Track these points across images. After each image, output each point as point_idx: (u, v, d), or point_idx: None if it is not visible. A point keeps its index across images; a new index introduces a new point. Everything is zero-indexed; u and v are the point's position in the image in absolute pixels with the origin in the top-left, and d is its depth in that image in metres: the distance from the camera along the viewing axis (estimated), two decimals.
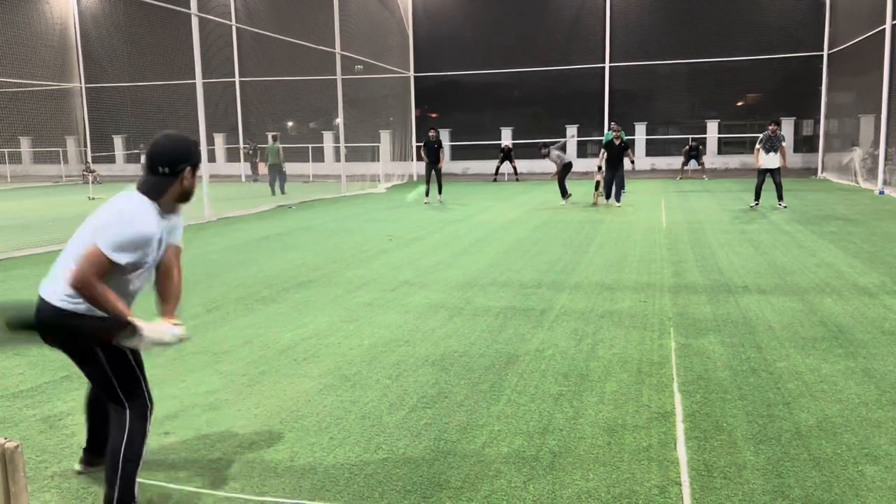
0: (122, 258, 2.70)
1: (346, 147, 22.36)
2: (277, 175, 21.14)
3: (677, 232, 11.20)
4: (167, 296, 3.05)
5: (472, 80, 30.68)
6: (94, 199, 20.76)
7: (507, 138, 28.84)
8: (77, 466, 3.36)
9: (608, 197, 15.92)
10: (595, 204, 16.00)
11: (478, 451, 3.53)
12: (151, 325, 2.82)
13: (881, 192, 16.90)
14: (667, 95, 29.00)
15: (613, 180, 15.80)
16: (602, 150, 16.04)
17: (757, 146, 14.64)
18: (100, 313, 2.75)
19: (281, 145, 21.75)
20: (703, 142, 26.94)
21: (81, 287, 2.68)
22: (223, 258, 9.61)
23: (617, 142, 15.59)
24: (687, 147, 24.62)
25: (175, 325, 2.95)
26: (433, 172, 17.32)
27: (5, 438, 1.96)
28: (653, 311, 6.22)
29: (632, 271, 8.07)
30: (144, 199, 2.80)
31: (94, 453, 3.28)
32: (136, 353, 2.95)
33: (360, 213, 15.36)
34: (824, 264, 8.19)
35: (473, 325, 5.87)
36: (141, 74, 32.54)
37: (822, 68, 24.48)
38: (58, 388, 4.58)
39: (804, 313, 6.02)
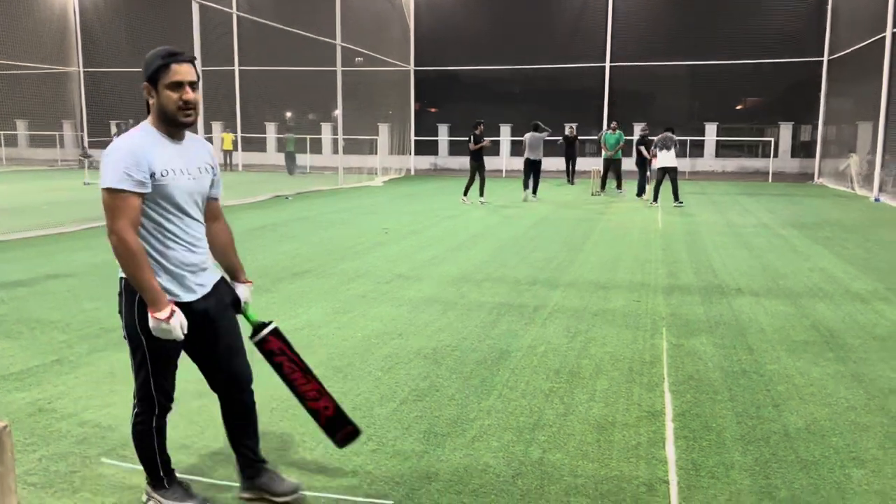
0: (119, 183, 2.44)
1: (344, 139, 22.32)
2: (294, 161, 26.01)
3: (673, 233, 11.22)
4: (217, 251, 2.89)
5: (472, 75, 30.64)
6: (89, 183, 20.68)
7: (506, 135, 28.82)
8: (242, 494, 3.01)
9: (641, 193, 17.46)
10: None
11: (467, 444, 3.53)
12: (157, 315, 2.52)
13: (877, 199, 16.95)
14: (666, 97, 29.01)
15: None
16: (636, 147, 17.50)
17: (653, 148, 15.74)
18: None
19: (296, 136, 26.96)
20: (700, 143, 26.96)
21: (118, 242, 2.47)
22: None
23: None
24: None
25: (247, 282, 2.95)
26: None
27: None
28: (646, 311, 6.23)
29: (626, 271, 8.09)
30: (142, 123, 2.65)
31: (247, 477, 2.97)
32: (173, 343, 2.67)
33: (357, 206, 15.34)
34: (818, 269, 8.22)
35: (467, 320, 5.87)
36: (140, 60, 32.28)
37: (821, 74, 24.52)
38: (48, 371, 4.56)
39: (796, 317, 6.04)
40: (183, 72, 2.58)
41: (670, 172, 15.33)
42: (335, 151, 24.85)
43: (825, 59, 24.38)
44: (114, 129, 28.79)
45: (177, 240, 2.63)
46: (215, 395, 4.14)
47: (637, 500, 3.02)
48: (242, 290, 2.95)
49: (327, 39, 20.82)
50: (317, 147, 30.77)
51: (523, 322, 5.84)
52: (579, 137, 22.55)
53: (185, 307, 2.64)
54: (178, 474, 2.94)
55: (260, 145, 33.17)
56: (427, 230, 11.43)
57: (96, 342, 5.18)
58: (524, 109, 29.76)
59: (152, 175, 2.52)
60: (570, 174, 22.60)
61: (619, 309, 6.31)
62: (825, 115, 24.52)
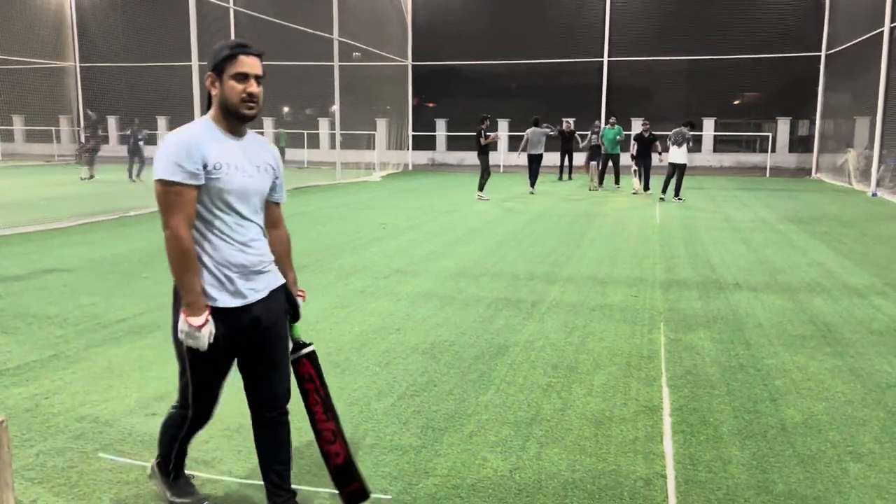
0: (172, 175, 2.35)
1: (341, 134, 22.27)
2: (283, 157, 25.10)
3: (670, 228, 11.22)
4: (276, 254, 2.73)
5: (470, 70, 30.59)
6: (86, 178, 20.63)
7: (503, 130, 28.78)
8: None
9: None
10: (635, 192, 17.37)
11: (465, 439, 3.53)
12: (191, 320, 2.40)
13: (874, 194, 16.96)
14: (664, 92, 28.98)
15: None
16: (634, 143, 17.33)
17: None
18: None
19: (287, 132, 27.37)
20: (699, 139, 26.92)
21: (171, 237, 2.38)
22: None
23: (646, 135, 16.88)
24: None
25: (299, 294, 2.80)
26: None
27: None
28: (643, 306, 6.23)
29: (624, 266, 8.09)
30: (202, 117, 2.56)
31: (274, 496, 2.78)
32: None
33: (355, 201, 15.32)
34: (815, 263, 8.23)
35: (464, 315, 5.87)
36: (136, 55, 32.29)
37: (819, 69, 24.51)
38: (45, 366, 4.56)
39: (794, 311, 6.05)
40: (250, 64, 2.47)
41: (678, 169, 15.31)
42: (332, 146, 24.82)
43: (823, 53, 24.36)
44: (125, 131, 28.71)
45: (225, 238, 2.49)
46: None
47: (634, 494, 3.02)
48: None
49: (325, 34, 20.76)
50: (314, 142, 30.73)
51: (521, 317, 5.84)
52: (577, 132, 22.47)
53: (232, 312, 2.50)
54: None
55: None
56: (425, 225, 11.42)
57: (93, 337, 5.17)
58: (522, 104, 29.74)
59: (205, 167, 2.41)
60: (567, 170, 22.57)
61: (617, 304, 6.31)
62: (823, 110, 24.52)
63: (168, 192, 2.36)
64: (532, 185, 17.37)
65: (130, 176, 20.43)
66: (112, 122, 34.07)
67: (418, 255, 8.69)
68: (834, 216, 12.92)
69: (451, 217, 12.52)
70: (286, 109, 33.54)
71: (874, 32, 18.35)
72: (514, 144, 27.61)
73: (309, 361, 2.77)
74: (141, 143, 20.88)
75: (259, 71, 2.50)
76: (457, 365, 4.64)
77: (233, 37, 31.56)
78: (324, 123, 31.38)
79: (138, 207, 13.11)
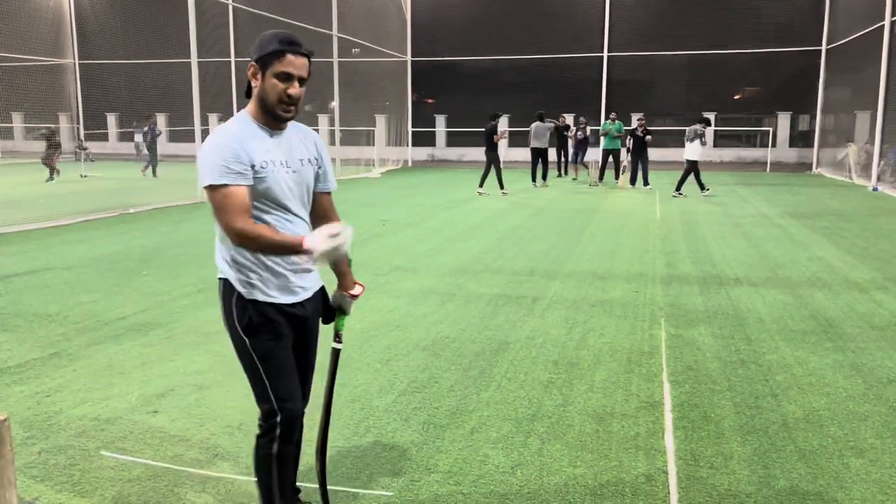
0: (221, 178, 2.26)
1: (340, 130, 22.25)
2: None
3: (671, 223, 11.21)
4: None
5: (469, 65, 30.52)
6: (86, 176, 20.62)
7: (504, 125, 28.75)
8: None
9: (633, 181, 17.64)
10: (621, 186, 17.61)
11: (466, 436, 3.53)
12: (318, 240, 2.24)
13: (875, 189, 16.95)
14: (664, 86, 28.93)
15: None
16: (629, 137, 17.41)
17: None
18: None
19: None
20: (706, 134, 26.73)
21: (236, 236, 2.26)
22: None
23: (640, 131, 16.88)
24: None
25: (352, 296, 2.67)
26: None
27: None
28: (644, 302, 6.23)
29: (624, 261, 8.08)
30: (238, 115, 2.43)
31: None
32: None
33: (354, 198, 15.31)
34: (816, 258, 8.22)
35: (465, 312, 5.87)
36: (135, 52, 32.25)
37: (819, 63, 24.46)
38: (46, 364, 4.56)
39: (795, 306, 6.04)
40: (297, 65, 2.33)
41: (688, 165, 15.38)
42: (332, 143, 24.83)
43: (823, 48, 24.31)
44: (138, 137, 28.67)
45: None
46: (214, 388, 4.15)
47: (636, 490, 3.02)
48: (347, 302, 2.70)
49: (324, 30, 20.73)
50: None
51: (522, 313, 5.84)
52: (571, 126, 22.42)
53: (282, 309, 2.44)
54: (165, 464, 2.87)
55: None
56: (425, 222, 11.42)
57: (94, 335, 5.17)
58: (522, 100, 29.67)
59: (252, 167, 2.31)
60: (563, 165, 22.55)
61: (617, 299, 6.31)
62: (823, 105, 24.48)
63: (220, 195, 2.26)
64: (542, 176, 18.15)
65: (154, 173, 21.07)
66: (111, 119, 34.03)
67: (418, 251, 8.69)
68: (834, 211, 12.90)
69: (451, 213, 12.51)
70: None
71: (875, 26, 18.31)
72: (514, 140, 27.56)
73: (333, 357, 2.72)
74: (157, 139, 21.66)
75: (305, 73, 2.36)
76: (458, 361, 4.64)
77: (231, 32, 31.55)
78: (323, 120, 31.34)
79: (138, 204, 13.11)
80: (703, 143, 15.39)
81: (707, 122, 15.62)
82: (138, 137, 28.29)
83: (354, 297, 2.71)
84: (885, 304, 6.12)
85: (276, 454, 2.47)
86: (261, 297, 2.40)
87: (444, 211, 12.83)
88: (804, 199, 14.93)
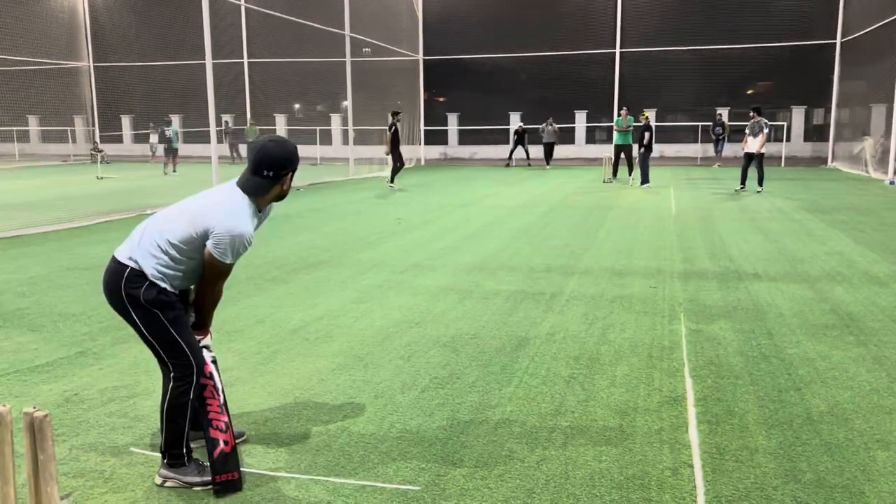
0: (234, 258, 2.96)
1: (353, 130, 22.32)
2: None
3: (686, 219, 11.17)
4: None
5: (481, 63, 30.51)
6: (102, 178, 20.82)
7: (516, 122, 28.71)
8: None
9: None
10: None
11: (490, 431, 3.55)
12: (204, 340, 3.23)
13: (891, 182, 16.80)
14: (677, 82, 28.77)
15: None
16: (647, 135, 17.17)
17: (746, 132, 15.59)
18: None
19: (259, 126, 28.21)
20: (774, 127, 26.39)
21: (219, 294, 3.20)
22: None
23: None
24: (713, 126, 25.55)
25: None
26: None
27: (34, 407, 1.99)
28: (663, 297, 6.22)
29: (641, 257, 8.07)
30: (245, 198, 2.97)
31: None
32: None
33: (369, 197, 15.36)
34: (834, 253, 8.17)
35: (484, 308, 5.89)
36: (150, 54, 32.48)
37: (834, 57, 24.26)
38: (73, 363, 4.62)
39: (815, 301, 6.02)
40: None
41: (755, 159, 15.20)
42: (345, 142, 24.85)
43: (838, 41, 24.11)
44: (153, 139, 29.07)
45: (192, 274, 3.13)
46: (238, 386, 4.19)
47: (662, 483, 3.04)
48: None
49: (336, 30, 20.78)
50: (326, 138, 30.78)
51: (541, 309, 5.85)
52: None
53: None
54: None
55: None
56: (440, 220, 11.44)
57: (118, 334, 5.23)
58: (533, 97, 29.65)
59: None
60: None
61: (636, 295, 6.31)
62: (838, 98, 24.27)
63: (228, 267, 3.00)
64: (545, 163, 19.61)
65: (166, 172, 22.37)
66: (126, 121, 34.29)
67: (434, 249, 8.72)
68: (851, 205, 12.81)
69: (466, 211, 12.53)
70: (297, 106, 33.62)
71: (890, 19, 18.15)
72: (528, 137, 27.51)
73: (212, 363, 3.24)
74: (174, 139, 22.89)
75: None
76: (478, 358, 4.66)
77: (244, 34, 31.66)
78: (336, 119, 31.43)
79: (155, 206, 13.20)
80: (767, 137, 15.40)
81: (759, 111, 15.41)
82: (153, 139, 28.59)
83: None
84: None
85: (191, 399, 2.99)
86: (168, 287, 2.98)
87: (459, 209, 12.85)
88: (820, 194, 14.82)
